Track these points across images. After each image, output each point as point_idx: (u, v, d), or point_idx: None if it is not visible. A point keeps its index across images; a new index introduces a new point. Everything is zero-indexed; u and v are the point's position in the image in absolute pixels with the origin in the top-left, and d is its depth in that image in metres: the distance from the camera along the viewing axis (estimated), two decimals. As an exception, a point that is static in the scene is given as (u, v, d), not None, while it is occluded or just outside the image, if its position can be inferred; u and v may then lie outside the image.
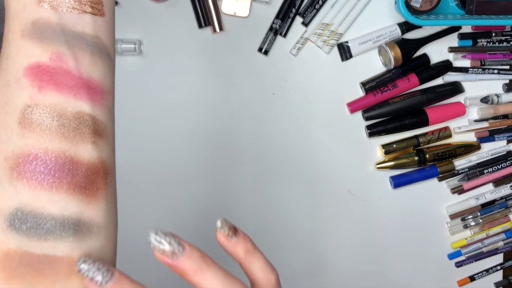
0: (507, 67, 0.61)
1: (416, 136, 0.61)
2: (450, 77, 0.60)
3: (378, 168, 0.61)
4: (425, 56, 0.59)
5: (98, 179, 0.26)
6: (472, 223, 0.63)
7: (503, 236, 0.64)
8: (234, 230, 0.28)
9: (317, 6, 0.57)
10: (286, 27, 0.58)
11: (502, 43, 0.60)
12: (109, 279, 0.24)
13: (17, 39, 0.25)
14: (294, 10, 0.57)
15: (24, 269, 0.24)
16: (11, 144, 0.24)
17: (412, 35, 0.59)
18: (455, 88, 0.60)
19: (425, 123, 0.60)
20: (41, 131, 0.24)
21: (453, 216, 0.64)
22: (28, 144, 0.24)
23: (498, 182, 0.63)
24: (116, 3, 0.55)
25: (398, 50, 0.57)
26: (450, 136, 0.61)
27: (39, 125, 0.24)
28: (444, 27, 0.59)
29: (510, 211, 0.63)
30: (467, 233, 0.64)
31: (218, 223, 0.28)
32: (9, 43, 0.26)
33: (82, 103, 0.25)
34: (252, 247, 0.28)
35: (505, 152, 0.62)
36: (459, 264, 0.65)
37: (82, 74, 0.26)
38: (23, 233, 0.24)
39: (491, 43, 0.60)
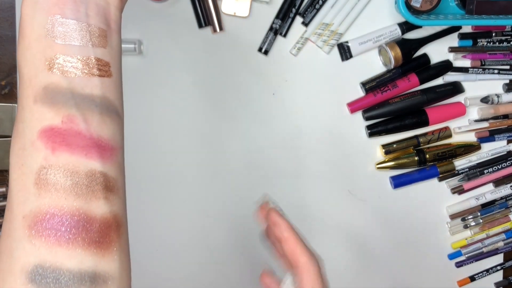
0: (507, 67, 0.61)
1: (416, 136, 0.61)
2: (450, 77, 0.60)
3: (378, 168, 0.61)
4: (425, 56, 0.59)
5: (111, 232, 0.27)
6: (472, 223, 0.63)
7: (503, 236, 0.64)
8: None
9: (317, 6, 0.57)
10: (286, 27, 0.58)
11: (502, 43, 0.60)
12: None
13: (30, 104, 0.27)
14: (294, 10, 0.57)
15: None
16: (29, 204, 0.26)
17: (412, 35, 0.59)
18: (455, 88, 0.60)
19: (425, 123, 0.60)
20: (56, 191, 0.26)
21: (453, 216, 0.64)
22: (44, 203, 0.26)
23: (498, 182, 0.63)
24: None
25: (398, 50, 0.57)
26: (450, 136, 0.61)
27: (54, 185, 0.26)
28: (444, 27, 0.59)
29: (510, 211, 0.63)
30: (467, 233, 0.64)
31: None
32: (23, 108, 0.27)
33: (93, 162, 0.27)
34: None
35: (505, 152, 0.62)
36: (459, 264, 0.65)
37: (92, 134, 0.27)
38: None
39: (491, 43, 0.60)
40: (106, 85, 0.29)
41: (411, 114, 0.60)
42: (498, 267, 0.65)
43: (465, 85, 0.60)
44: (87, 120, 0.27)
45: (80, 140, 0.27)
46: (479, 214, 0.63)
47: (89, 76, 0.28)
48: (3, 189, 0.55)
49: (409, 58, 0.58)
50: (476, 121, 0.61)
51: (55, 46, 0.28)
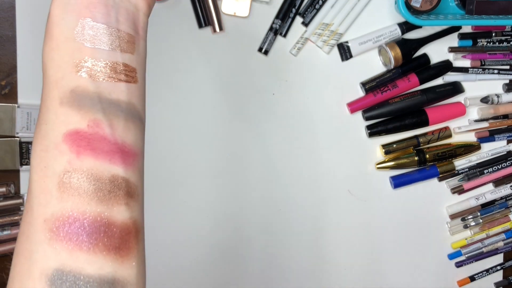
0: (507, 67, 0.61)
1: (416, 136, 0.61)
2: (450, 77, 0.60)
3: (378, 168, 0.61)
4: (425, 56, 0.59)
5: (130, 238, 0.27)
6: (472, 223, 0.63)
7: (503, 236, 0.64)
8: None
9: (317, 6, 0.57)
10: (286, 27, 0.58)
11: (502, 43, 0.60)
12: None
13: (56, 106, 0.27)
14: (294, 10, 0.57)
15: None
16: (51, 207, 0.26)
17: (412, 35, 0.59)
18: (455, 88, 0.60)
19: (425, 123, 0.60)
20: (79, 195, 0.26)
21: (453, 216, 0.64)
22: (66, 207, 0.26)
23: (498, 182, 0.63)
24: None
25: (398, 50, 0.57)
26: (450, 136, 0.61)
27: (77, 189, 0.26)
28: (444, 27, 0.59)
29: (510, 211, 0.63)
30: (467, 233, 0.64)
31: None
32: (48, 109, 0.27)
33: (116, 167, 0.27)
34: None
35: (505, 152, 0.62)
36: (459, 264, 0.65)
37: (117, 139, 0.27)
38: None
39: (491, 43, 0.60)
40: (132, 91, 0.29)
41: (411, 114, 0.60)
42: (498, 267, 0.65)
43: (465, 85, 0.60)
44: (113, 126, 0.27)
45: (105, 145, 0.27)
46: (479, 214, 0.63)
47: (116, 82, 0.28)
48: (3, 189, 0.55)
49: (409, 58, 0.58)
50: (476, 121, 0.61)
51: (84, 49, 0.27)
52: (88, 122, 0.27)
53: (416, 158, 0.60)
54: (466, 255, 0.64)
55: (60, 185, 0.26)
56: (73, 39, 0.27)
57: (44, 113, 0.27)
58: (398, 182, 0.61)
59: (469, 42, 0.59)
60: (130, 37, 0.29)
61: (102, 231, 0.26)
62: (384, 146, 0.61)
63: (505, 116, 0.62)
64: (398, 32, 0.58)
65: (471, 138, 0.62)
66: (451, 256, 0.65)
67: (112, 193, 0.27)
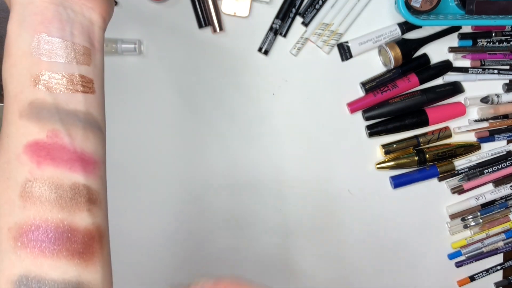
0: (507, 67, 0.61)
1: (416, 136, 0.61)
2: (450, 77, 0.60)
3: (378, 168, 0.61)
4: (425, 56, 0.59)
5: (93, 243, 0.28)
6: (472, 223, 0.63)
7: (503, 236, 0.64)
8: None
9: (317, 6, 0.57)
10: (286, 27, 0.58)
11: (502, 43, 0.60)
12: None
13: (16, 119, 0.28)
14: (294, 10, 0.57)
15: None
16: (14, 216, 0.27)
17: (412, 35, 0.59)
18: (455, 88, 0.60)
19: (425, 123, 0.60)
20: (41, 203, 0.27)
21: (453, 216, 0.64)
22: (29, 215, 0.27)
23: (498, 182, 0.63)
24: (116, 3, 0.55)
25: (398, 50, 0.57)
26: (450, 136, 0.61)
27: (39, 198, 0.27)
28: (444, 27, 0.59)
29: (510, 211, 0.63)
30: (467, 233, 0.64)
31: None
32: (8, 123, 0.28)
33: (76, 175, 0.28)
34: None
35: (505, 152, 0.62)
36: (459, 264, 0.65)
37: (76, 148, 0.28)
38: None
39: (491, 43, 0.60)
40: (89, 101, 0.30)
41: (411, 114, 0.60)
42: (498, 267, 0.65)
43: (465, 85, 0.60)
44: (71, 135, 0.28)
45: (64, 154, 0.28)
46: (479, 214, 0.63)
47: (73, 93, 0.29)
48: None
49: (409, 58, 0.58)
50: (476, 121, 0.61)
51: (40, 63, 0.28)
52: (47, 133, 0.27)
53: (416, 158, 0.60)
54: (466, 255, 0.64)
55: (23, 195, 0.27)
56: (30, 54, 0.28)
57: (5, 127, 0.28)
58: (398, 182, 0.61)
59: (469, 42, 0.59)
60: (86, 49, 0.30)
61: (65, 237, 0.27)
62: (384, 146, 0.61)
63: (505, 116, 0.62)
64: (398, 32, 0.58)
65: (471, 138, 0.62)
66: (451, 256, 0.65)
67: (74, 200, 0.27)
